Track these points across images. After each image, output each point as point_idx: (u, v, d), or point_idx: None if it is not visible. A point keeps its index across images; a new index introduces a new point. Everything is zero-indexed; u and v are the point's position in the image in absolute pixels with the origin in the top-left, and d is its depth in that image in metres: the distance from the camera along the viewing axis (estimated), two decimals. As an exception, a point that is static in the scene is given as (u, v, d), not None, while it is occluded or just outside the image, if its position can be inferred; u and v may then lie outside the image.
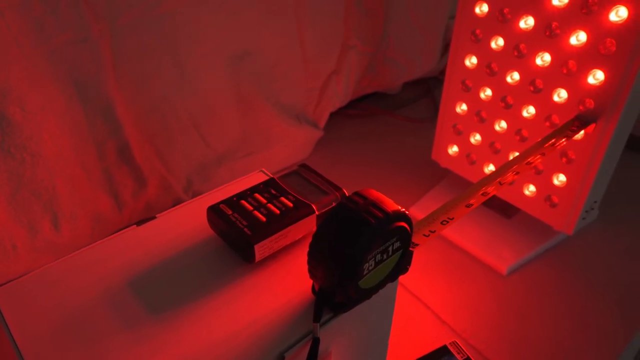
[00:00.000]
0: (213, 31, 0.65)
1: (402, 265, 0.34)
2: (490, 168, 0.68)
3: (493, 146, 0.67)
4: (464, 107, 0.68)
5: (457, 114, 0.69)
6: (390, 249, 0.32)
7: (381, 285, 0.33)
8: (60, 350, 0.31)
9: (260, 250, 0.35)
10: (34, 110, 0.54)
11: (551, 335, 0.57)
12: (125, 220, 0.67)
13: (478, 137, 0.68)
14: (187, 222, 0.41)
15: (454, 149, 0.72)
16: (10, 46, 0.50)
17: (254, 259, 0.36)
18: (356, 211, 0.30)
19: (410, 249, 0.34)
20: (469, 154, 0.70)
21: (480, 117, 0.67)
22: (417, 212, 0.72)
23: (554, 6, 0.54)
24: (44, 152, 0.56)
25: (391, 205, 0.31)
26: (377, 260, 0.31)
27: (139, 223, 0.41)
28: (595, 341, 0.56)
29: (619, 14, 0.50)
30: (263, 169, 0.46)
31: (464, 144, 0.70)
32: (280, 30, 0.73)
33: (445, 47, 1.01)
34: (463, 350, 0.49)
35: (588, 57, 0.53)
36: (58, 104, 0.56)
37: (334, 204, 0.39)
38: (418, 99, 1.03)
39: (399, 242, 0.32)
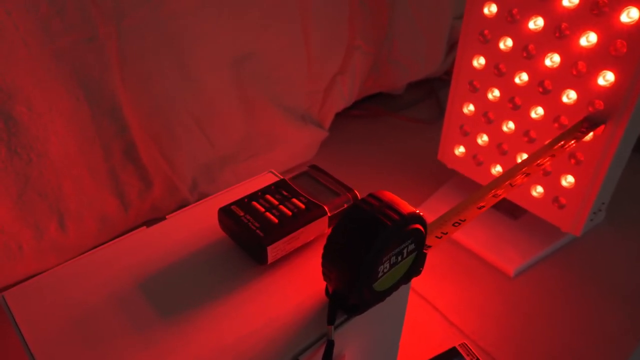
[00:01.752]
0: (217, 32, 0.65)
1: (416, 267, 0.34)
2: (498, 169, 0.68)
3: (500, 147, 0.66)
4: (471, 107, 0.68)
5: (464, 115, 0.69)
6: (405, 251, 0.31)
7: (395, 287, 0.33)
8: (71, 350, 0.31)
9: (273, 252, 0.35)
10: (41, 110, 0.53)
11: (559, 337, 0.57)
12: (131, 220, 0.67)
13: (485, 138, 0.68)
14: (197, 224, 0.40)
15: (460, 150, 0.72)
16: (18, 46, 0.50)
17: (267, 261, 0.35)
18: (371, 213, 0.30)
19: (424, 250, 0.34)
20: (476, 155, 0.70)
21: (488, 117, 0.66)
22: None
23: (564, 7, 0.54)
24: (51, 152, 0.55)
25: (406, 207, 0.31)
26: (392, 262, 0.31)
27: (149, 224, 0.40)
28: (603, 343, 0.56)
29: (630, 15, 0.49)
30: (272, 170, 0.46)
31: (471, 145, 0.70)
32: (285, 31, 0.73)
33: (450, 48, 1.01)
34: (472, 352, 0.48)
35: (598, 58, 0.53)
36: (65, 104, 0.56)
37: (345, 206, 0.38)
38: (422, 100, 1.03)
39: (413, 244, 0.32)
